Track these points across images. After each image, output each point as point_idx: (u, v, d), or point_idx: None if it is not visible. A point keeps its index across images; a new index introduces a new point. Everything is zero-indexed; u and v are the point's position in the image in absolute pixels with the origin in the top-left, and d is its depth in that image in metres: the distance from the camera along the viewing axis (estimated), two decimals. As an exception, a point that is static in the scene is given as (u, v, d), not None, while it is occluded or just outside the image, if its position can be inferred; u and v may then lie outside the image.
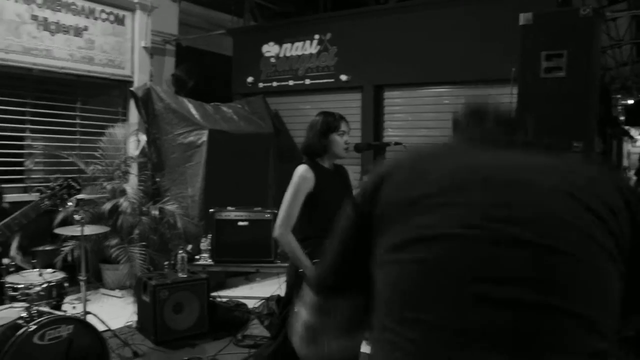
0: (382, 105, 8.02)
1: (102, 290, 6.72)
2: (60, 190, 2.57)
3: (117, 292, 6.65)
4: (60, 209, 2.76)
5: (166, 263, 5.50)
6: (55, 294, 4.23)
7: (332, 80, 8.21)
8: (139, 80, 7.60)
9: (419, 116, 7.75)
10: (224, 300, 5.75)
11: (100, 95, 7.54)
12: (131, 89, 7.38)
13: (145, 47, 7.69)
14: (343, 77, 8.10)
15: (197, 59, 8.84)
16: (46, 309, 3.89)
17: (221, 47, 9.42)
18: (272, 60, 8.75)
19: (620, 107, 14.71)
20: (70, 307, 5.11)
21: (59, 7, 6.78)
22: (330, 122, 3.38)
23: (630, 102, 14.84)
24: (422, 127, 7.66)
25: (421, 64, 7.46)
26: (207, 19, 9.48)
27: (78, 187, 2.67)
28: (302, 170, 3.28)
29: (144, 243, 6.43)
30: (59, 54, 6.79)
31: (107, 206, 6.39)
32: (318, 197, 3.25)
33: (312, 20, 8.66)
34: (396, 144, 3.53)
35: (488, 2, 7.15)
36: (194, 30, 9.02)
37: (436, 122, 7.57)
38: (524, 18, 4.11)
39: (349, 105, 8.13)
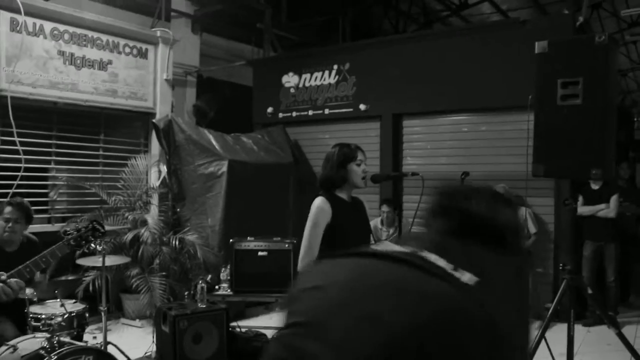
0: (401, 133, 8.05)
1: (123, 320, 6.76)
2: (86, 232, 2.63)
3: (137, 322, 6.68)
4: (85, 250, 2.80)
5: (186, 293, 5.52)
6: (76, 325, 4.26)
7: (351, 109, 8.28)
8: (161, 111, 7.73)
9: (438, 144, 7.76)
10: (244, 330, 5.73)
11: (123, 127, 7.69)
12: (153, 120, 7.51)
13: (167, 80, 7.84)
14: (362, 107, 8.17)
15: (217, 89, 8.96)
16: (67, 339, 3.92)
17: (241, 78, 9.55)
18: (292, 90, 8.85)
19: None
20: (91, 337, 5.15)
21: (85, 43, 6.97)
22: (347, 153, 3.38)
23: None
24: (442, 154, 7.66)
25: (439, 92, 7.50)
26: (228, 50, 9.64)
27: (103, 231, 2.74)
28: (319, 202, 3.29)
29: (164, 273, 6.48)
30: (84, 87, 6.96)
31: (129, 236, 6.46)
32: (336, 229, 3.25)
33: (331, 50, 8.78)
34: (413, 174, 3.53)
35: (505, 31, 7.21)
36: (215, 61, 9.17)
37: (455, 150, 7.58)
38: (539, 46, 4.12)
39: (368, 135, 8.18)
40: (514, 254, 1.20)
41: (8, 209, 4.24)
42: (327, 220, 3.23)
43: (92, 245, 2.75)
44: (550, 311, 3.90)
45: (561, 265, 4.08)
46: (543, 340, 3.88)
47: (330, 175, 3.36)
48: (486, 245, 1.16)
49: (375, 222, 6.97)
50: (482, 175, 7.03)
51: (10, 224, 4.21)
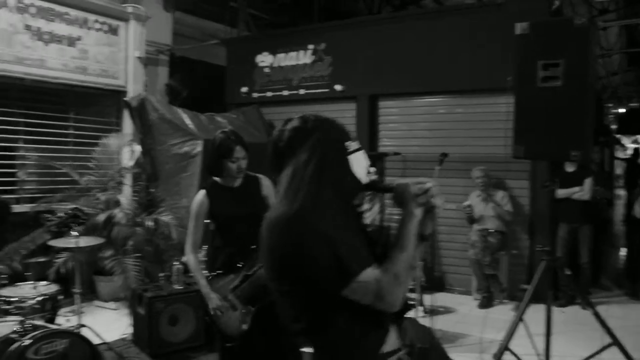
0: (377, 115, 8.03)
1: (96, 302, 6.65)
2: (67, 219, 2.55)
3: (111, 304, 6.58)
4: (64, 236, 2.72)
5: (161, 275, 5.44)
6: (49, 307, 4.18)
7: (327, 90, 8.22)
8: (133, 90, 7.56)
9: (414, 126, 7.76)
10: (220, 311, 5.67)
11: (94, 105, 7.50)
12: (125, 99, 7.34)
13: (139, 57, 7.67)
14: (337, 87, 8.11)
15: (190, 69, 8.82)
16: (40, 322, 3.84)
17: (214, 57, 9.41)
18: (266, 70, 8.75)
19: (611, 116, 14.83)
20: (64, 319, 5.06)
21: (52, 17, 6.76)
22: (223, 151, 3.48)
23: (622, 110, 14.95)
24: (418, 136, 7.67)
25: (416, 74, 7.49)
26: (201, 29, 9.47)
27: (84, 218, 2.66)
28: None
29: (138, 254, 6.37)
30: (52, 64, 6.76)
31: (102, 217, 6.33)
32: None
33: (306, 30, 8.68)
34: (395, 154, 3.51)
35: (480, 13, 7.20)
36: (188, 40, 9.00)
37: (432, 132, 7.59)
38: (520, 27, 4.11)
39: (344, 115, 8.12)
40: None
41: None
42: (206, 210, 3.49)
43: (73, 232, 2.66)
44: (529, 292, 3.94)
45: (539, 246, 4.12)
46: (521, 322, 3.93)
47: (209, 165, 3.59)
48: None
49: None
50: (460, 157, 7.06)
51: None
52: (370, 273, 1.65)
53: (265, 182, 3.59)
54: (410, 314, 5.86)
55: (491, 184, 6.85)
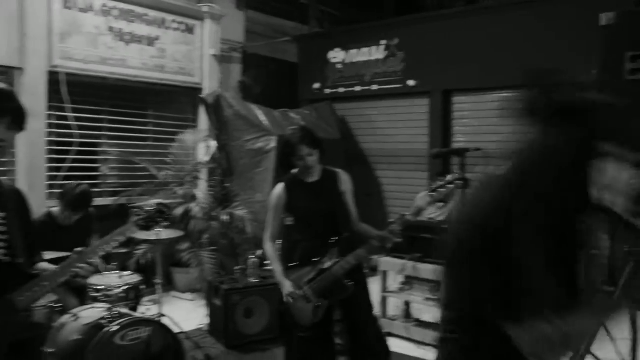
0: (451, 110, 7.90)
1: (173, 293, 6.85)
2: (154, 214, 2.63)
3: (187, 295, 6.77)
4: (150, 231, 2.83)
5: (237, 268, 5.55)
6: (132, 296, 4.34)
7: (400, 85, 8.15)
8: (209, 87, 7.74)
9: (488, 121, 7.58)
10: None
11: (172, 102, 7.73)
12: (201, 96, 7.53)
13: (214, 55, 7.83)
14: (411, 83, 8.03)
15: (262, 66, 8.93)
16: (125, 310, 3.99)
17: (285, 54, 9.50)
18: (339, 66, 8.76)
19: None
20: (144, 309, 5.23)
21: (133, 18, 6.99)
22: (287, 152, 3.58)
23: None
24: (492, 132, 7.48)
25: (491, 68, 7.31)
26: (272, 26, 9.57)
27: (169, 214, 2.74)
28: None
29: (214, 247, 6.52)
30: (133, 63, 6.99)
31: (179, 211, 6.50)
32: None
33: (379, 25, 8.63)
34: (477, 149, 3.45)
35: (561, 3, 6.95)
36: (259, 38, 9.12)
37: (506, 128, 7.38)
38: (605, 18, 3.95)
39: (417, 111, 8.07)
40: None
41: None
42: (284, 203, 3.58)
43: (158, 227, 2.75)
44: (619, 294, 3.77)
45: (626, 247, 3.95)
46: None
47: (280, 161, 3.84)
48: None
49: (423, 194, 7.01)
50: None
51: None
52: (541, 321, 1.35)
53: (344, 177, 3.62)
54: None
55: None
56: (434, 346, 5.00)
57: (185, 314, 5.94)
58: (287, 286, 3.45)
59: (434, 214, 5.58)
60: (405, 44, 8.13)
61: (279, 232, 3.67)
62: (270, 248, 3.61)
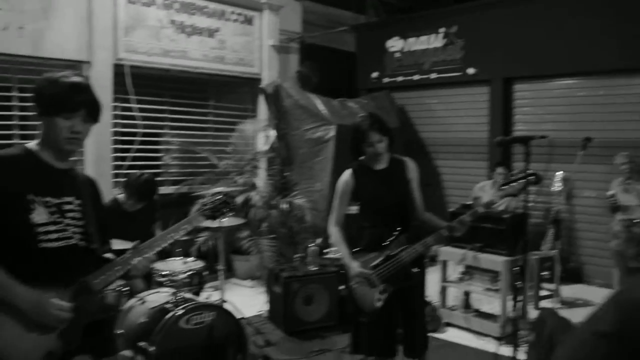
0: (512, 98, 7.74)
1: (233, 280, 6.98)
2: (219, 204, 2.68)
3: (247, 282, 6.89)
4: (214, 221, 2.89)
5: (297, 256, 5.60)
6: (196, 282, 4.44)
7: (459, 74, 8.04)
8: (267, 77, 7.81)
9: (551, 109, 7.40)
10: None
11: (231, 92, 7.84)
12: (261, 85, 7.62)
13: (273, 45, 7.89)
14: (470, 71, 7.91)
15: (319, 56, 8.93)
16: (189, 295, 4.09)
17: (342, 44, 9.48)
18: (397, 55, 8.70)
19: None
20: (206, 294, 5.35)
21: (193, 11, 7.12)
22: (358, 137, 3.51)
23: None
24: (555, 120, 7.30)
25: (552, 55, 7.12)
26: (327, 16, 9.56)
27: (234, 205, 2.78)
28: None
29: (273, 235, 6.60)
30: (194, 54, 7.13)
31: (240, 199, 6.61)
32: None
33: (437, 13, 8.51)
34: (542, 137, 3.37)
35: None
36: (315, 28, 9.13)
37: (569, 116, 7.20)
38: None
39: (477, 99, 7.95)
40: None
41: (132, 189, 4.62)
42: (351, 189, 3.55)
43: (223, 217, 2.79)
44: None
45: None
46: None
47: (350, 148, 3.59)
48: None
49: (481, 185, 6.93)
50: (600, 142, 6.62)
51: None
52: None
53: (411, 165, 3.60)
54: (547, 304, 5.62)
55: (636, 170, 6.38)
56: (493, 337, 4.97)
57: (245, 300, 6.03)
58: (355, 266, 3.42)
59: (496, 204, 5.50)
60: (464, 32, 8.00)
61: (344, 217, 3.66)
62: (336, 232, 3.60)
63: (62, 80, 2.16)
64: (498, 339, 4.95)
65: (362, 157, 3.56)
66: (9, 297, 2.03)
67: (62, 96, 2.14)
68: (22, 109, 5.80)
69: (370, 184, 3.52)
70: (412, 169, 3.59)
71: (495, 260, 5.07)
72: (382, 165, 3.55)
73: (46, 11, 5.81)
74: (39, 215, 2.13)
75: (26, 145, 2.23)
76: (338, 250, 3.62)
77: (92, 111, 2.22)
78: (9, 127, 5.73)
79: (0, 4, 5.50)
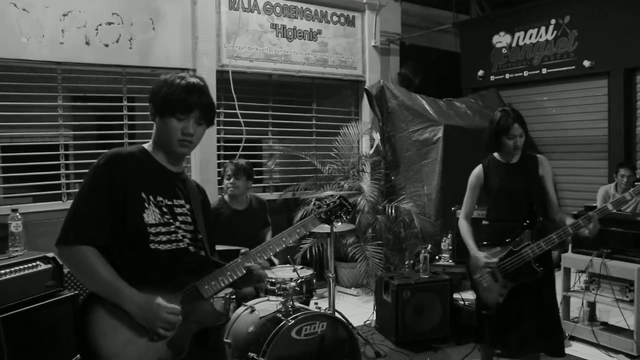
0: (635, 91, 7.14)
1: (338, 288, 6.82)
2: (335, 207, 2.56)
3: (352, 290, 6.71)
4: (331, 224, 2.79)
5: (407, 263, 5.37)
6: (305, 290, 4.29)
7: (573, 67, 7.53)
8: (370, 79, 7.63)
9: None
10: (467, 303, 5.43)
11: (334, 95, 7.73)
12: (366, 87, 7.46)
13: (375, 46, 7.71)
14: (586, 63, 7.38)
15: (420, 56, 8.71)
16: (299, 304, 3.95)
17: (441, 44, 9.28)
18: (504, 50, 8.29)
19: None
20: (313, 303, 5.21)
21: (294, 14, 7.07)
22: (501, 127, 3.54)
23: None
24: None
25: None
26: (426, 17, 9.33)
27: (350, 208, 2.65)
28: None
29: (379, 242, 6.39)
30: (296, 58, 7.07)
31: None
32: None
33: (547, 4, 8.00)
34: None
35: None
36: (414, 29, 8.90)
37: None
38: None
39: (593, 94, 7.45)
40: None
41: (230, 166, 4.68)
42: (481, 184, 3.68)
43: (339, 221, 2.65)
44: None
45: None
46: None
47: (487, 140, 3.62)
48: None
49: (606, 188, 6.43)
50: None
51: (231, 180, 4.62)
52: None
53: (544, 162, 3.62)
54: None
55: None
56: (626, 354, 4.50)
57: (352, 309, 5.87)
58: (482, 257, 3.51)
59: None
60: (577, 22, 7.47)
61: (473, 211, 3.81)
62: (465, 225, 3.73)
63: (177, 81, 2.10)
64: (632, 357, 4.49)
65: (495, 153, 3.63)
66: (117, 299, 1.94)
67: (176, 96, 2.06)
68: (130, 118, 5.93)
69: (500, 177, 3.58)
70: (544, 165, 3.60)
71: (627, 268, 4.59)
72: (514, 160, 3.60)
73: (153, 22, 5.92)
74: (151, 215, 2.06)
75: (142, 144, 2.18)
76: (465, 242, 3.71)
77: (206, 113, 2.14)
78: (120, 137, 5.87)
79: (114, 18, 5.65)
